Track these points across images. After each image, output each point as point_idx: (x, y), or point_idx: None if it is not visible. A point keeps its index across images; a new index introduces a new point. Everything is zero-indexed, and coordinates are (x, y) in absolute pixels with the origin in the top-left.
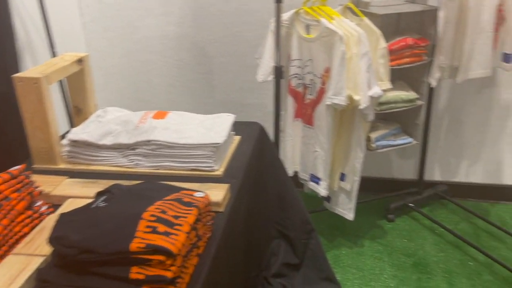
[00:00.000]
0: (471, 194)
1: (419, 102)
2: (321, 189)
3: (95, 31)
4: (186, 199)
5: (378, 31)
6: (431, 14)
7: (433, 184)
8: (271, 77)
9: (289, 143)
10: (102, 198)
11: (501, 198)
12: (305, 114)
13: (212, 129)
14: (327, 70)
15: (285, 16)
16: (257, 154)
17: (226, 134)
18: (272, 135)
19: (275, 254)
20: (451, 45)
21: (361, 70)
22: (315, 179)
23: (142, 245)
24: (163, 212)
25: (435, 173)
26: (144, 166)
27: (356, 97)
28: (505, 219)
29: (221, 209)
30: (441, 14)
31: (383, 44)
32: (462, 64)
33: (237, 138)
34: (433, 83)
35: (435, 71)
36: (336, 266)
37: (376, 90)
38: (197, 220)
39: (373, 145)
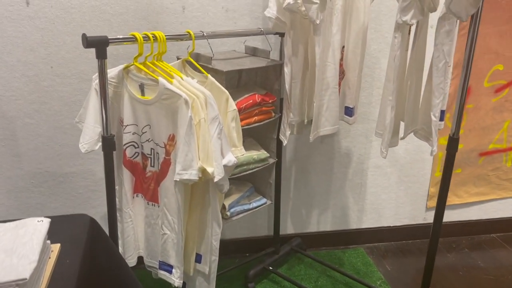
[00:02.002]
0: (323, 243)
1: (271, 160)
2: (175, 279)
3: None
4: None
5: (226, 92)
6: (276, 69)
7: (288, 238)
8: (98, 146)
9: (129, 225)
10: None
11: (349, 243)
12: (147, 189)
13: (14, 251)
14: (172, 138)
15: (111, 73)
16: (88, 266)
17: (37, 257)
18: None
19: None
20: (299, 102)
21: (212, 137)
22: (166, 266)
23: None
24: None
25: (288, 227)
26: None
27: (209, 169)
28: (357, 265)
29: None
30: (286, 70)
31: (233, 106)
32: (313, 122)
33: (56, 249)
34: (285, 141)
35: (286, 128)
36: None
37: (230, 158)
38: None
39: (228, 213)
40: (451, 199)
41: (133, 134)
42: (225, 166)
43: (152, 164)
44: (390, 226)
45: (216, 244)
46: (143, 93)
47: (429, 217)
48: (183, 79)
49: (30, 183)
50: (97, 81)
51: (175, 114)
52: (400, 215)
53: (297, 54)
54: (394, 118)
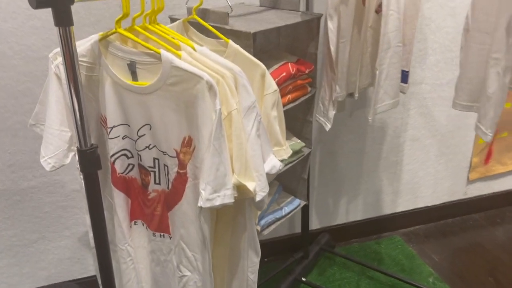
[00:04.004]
0: (353, 234)
1: (306, 150)
2: None
3: None
4: None
5: (261, 65)
6: (311, 25)
7: (314, 235)
8: (69, 159)
9: (129, 265)
10: None
11: (382, 230)
12: (152, 215)
13: None
14: (188, 143)
15: (80, 49)
16: None
17: None
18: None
19: None
20: (347, 69)
21: (249, 136)
22: None
23: None
24: None
25: (313, 221)
26: None
27: (250, 185)
28: (398, 258)
29: None
30: (331, 25)
31: (273, 85)
32: (374, 96)
33: None
34: (328, 124)
35: (328, 107)
36: None
37: (274, 163)
38: None
39: (258, 228)
40: (494, 168)
41: (123, 138)
42: (267, 174)
43: (158, 181)
44: (427, 206)
45: (253, 278)
46: (135, 77)
47: (470, 192)
48: (195, 50)
49: None
50: (57, 61)
51: (191, 107)
52: (439, 193)
53: (347, 1)
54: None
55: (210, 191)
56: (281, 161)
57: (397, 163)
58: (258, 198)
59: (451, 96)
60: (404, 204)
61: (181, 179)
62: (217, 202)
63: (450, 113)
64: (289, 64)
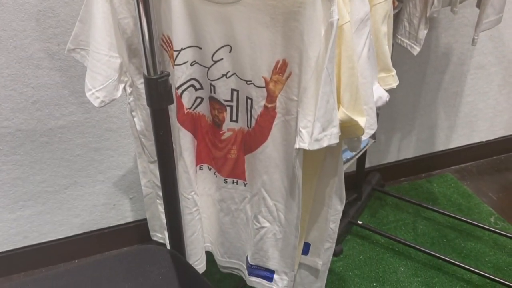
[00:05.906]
0: (403, 173)
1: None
2: None
3: None
4: None
5: None
6: None
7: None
8: (120, 91)
9: (195, 216)
10: None
11: (433, 168)
12: (224, 159)
13: None
14: (281, 68)
15: None
16: None
17: None
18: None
19: None
20: None
21: (360, 57)
22: (264, 272)
23: None
24: None
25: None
26: None
27: (360, 120)
28: (453, 197)
29: None
30: None
31: None
32: (480, 11)
33: None
34: (417, 48)
35: (419, 25)
36: None
37: (379, 93)
38: None
39: None
40: None
41: (192, 65)
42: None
43: (235, 118)
44: (482, 142)
45: (334, 228)
46: None
47: None
48: None
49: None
50: None
51: (292, 19)
52: (496, 127)
53: None
54: None
55: (319, 129)
56: (388, 91)
57: (457, 94)
58: (364, 137)
59: None
60: (459, 139)
61: (269, 115)
62: (325, 143)
63: None
64: None
